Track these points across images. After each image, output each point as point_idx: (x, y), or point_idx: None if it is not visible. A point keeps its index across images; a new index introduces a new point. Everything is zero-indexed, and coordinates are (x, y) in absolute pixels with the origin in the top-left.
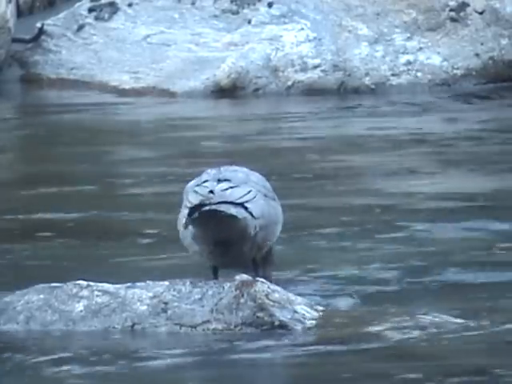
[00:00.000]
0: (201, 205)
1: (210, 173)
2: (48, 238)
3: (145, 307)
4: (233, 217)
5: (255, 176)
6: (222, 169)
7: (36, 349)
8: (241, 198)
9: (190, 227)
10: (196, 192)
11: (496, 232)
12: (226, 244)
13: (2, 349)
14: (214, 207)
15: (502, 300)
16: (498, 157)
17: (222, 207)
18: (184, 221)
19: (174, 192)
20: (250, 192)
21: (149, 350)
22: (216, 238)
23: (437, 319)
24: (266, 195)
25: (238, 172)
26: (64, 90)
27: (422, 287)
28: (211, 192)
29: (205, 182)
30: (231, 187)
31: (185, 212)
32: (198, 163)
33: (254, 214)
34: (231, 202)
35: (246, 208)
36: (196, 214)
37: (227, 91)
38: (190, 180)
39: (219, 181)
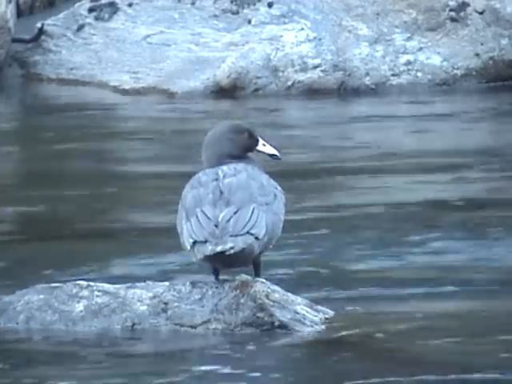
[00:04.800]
0: (207, 240)
1: (209, 182)
2: (49, 237)
3: (145, 307)
4: (240, 250)
5: (255, 180)
6: (221, 175)
7: (36, 349)
8: (245, 226)
9: (196, 254)
10: (200, 223)
11: None
12: (233, 264)
13: (3, 349)
14: (220, 248)
15: None
16: None
17: (229, 243)
18: (188, 246)
19: (175, 189)
20: (253, 213)
21: (148, 349)
22: (224, 265)
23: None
24: (267, 203)
25: (239, 185)
26: (64, 90)
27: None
28: (215, 226)
29: (205, 205)
30: (235, 213)
31: (186, 227)
32: (199, 161)
33: (259, 237)
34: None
35: (251, 234)
36: (204, 256)
37: (227, 91)
38: (189, 179)
39: (220, 199)
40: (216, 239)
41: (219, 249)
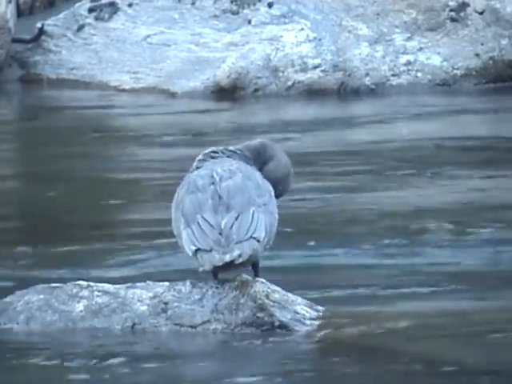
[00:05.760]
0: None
1: (207, 186)
2: (49, 237)
3: (145, 307)
4: (248, 257)
5: (252, 181)
6: (217, 178)
7: (36, 349)
8: (247, 232)
9: (203, 264)
10: (203, 230)
11: None
12: (236, 268)
13: (3, 349)
14: (228, 258)
15: None
16: None
17: (236, 251)
18: (190, 252)
19: (174, 188)
20: (253, 217)
21: (148, 350)
22: (228, 270)
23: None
24: (264, 204)
25: (237, 188)
26: (64, 90)
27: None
28: (219, 233)
29: (206, 211)
30: (236, 218)
31: (186, 232)
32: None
33: (260, 239)
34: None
35: (253, 237)
36: (211, 267)
37: (227, 91)
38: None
39: (220, 204)
40: (222, 247)
41: (228, 258)
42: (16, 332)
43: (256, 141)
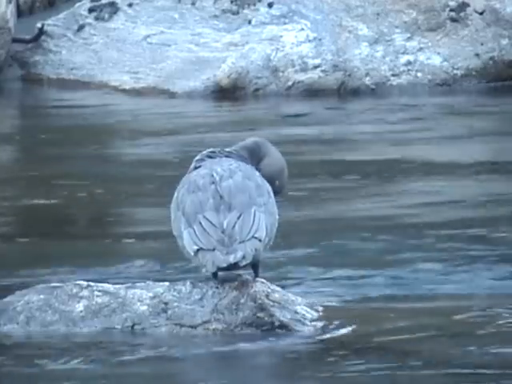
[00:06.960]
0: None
1: (207, 186)
2: (49, 237)
3: (145, 307)
4: (251, 258)
5: (251, 180)
6: (217, 178)
7: (36, 349)
8: (250, 232)
9: (207, 265)
10: (205, 230)
11: None
12: (237, 268)
13: (3, 349)
14: (232, 259)
15: None
16: None
17: (239, 252)
18: (192, 252)
19: (174, 188)
20: (254, 217)
21: (149, 350)
22: (230, 270)
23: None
24: (264, 203)
25: (237, 188)
26: (64, 90)
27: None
28: (222, 233)
29: (208, 210)
30: (238, 218)
31: (188, 232)
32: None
33: (262, 239)
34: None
35: (255, 237)
36: (215, 269)
37: (227, 91)
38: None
39: (221, 204)
40: (225, 247)
41: (232, 260)
42: (16, 332)
43: (250, 140)
